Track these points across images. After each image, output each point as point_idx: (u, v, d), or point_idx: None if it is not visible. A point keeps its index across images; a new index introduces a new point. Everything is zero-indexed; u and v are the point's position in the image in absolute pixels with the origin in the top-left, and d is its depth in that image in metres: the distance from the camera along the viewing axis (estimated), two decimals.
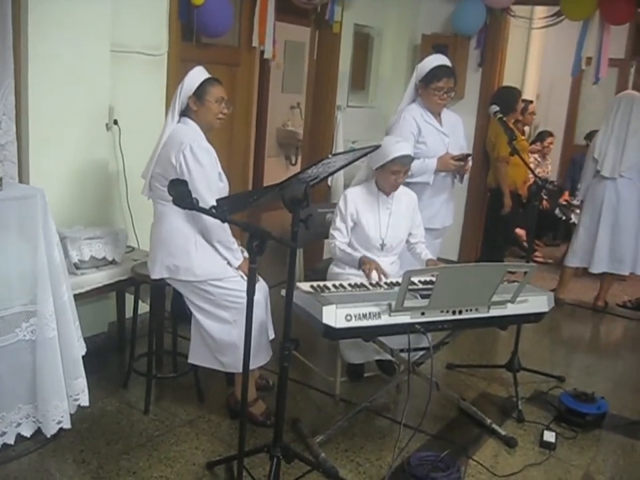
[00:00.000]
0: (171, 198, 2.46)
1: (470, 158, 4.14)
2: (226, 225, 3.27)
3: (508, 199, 5.94)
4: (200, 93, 3.33)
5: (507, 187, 5.95)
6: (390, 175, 3.55)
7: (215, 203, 2.51)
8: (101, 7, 3.75)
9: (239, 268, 3.39)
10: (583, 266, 5.63)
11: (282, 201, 2.63)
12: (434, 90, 4.02)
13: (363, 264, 3.47)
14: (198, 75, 3.35)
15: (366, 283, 3.30)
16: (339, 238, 3.66)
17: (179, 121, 3.37)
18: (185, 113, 3.37)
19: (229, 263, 3.38)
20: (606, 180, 5.35)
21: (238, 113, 5.19)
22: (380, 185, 3.65)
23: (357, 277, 3.55)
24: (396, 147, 3.51)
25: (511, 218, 6.21)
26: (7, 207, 2.85)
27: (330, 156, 2.64)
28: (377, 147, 3.23)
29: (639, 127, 5.28)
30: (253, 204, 2.76)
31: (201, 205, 2.50)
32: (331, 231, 3.70)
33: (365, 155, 2.90)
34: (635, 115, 5.27)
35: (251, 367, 2.68)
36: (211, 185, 3.27)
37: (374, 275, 3.38)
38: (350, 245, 3.68)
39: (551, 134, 7.73)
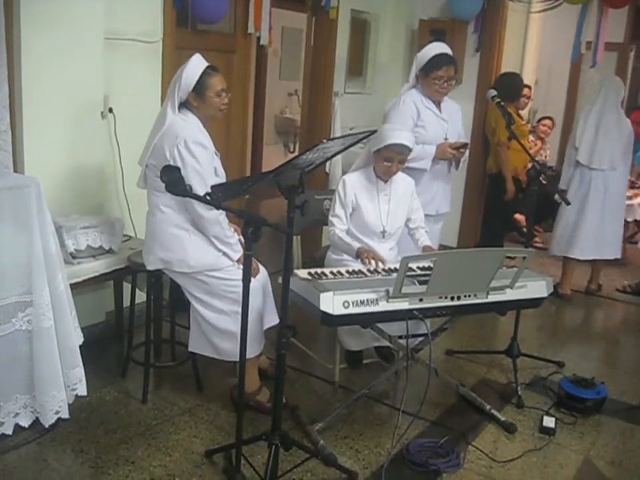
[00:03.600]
0: (163, 189, 2.43)
1: (467, 147, 4.12)
2: (222, 219, 3.25)
3: (510, 184, 5.91)
4: (199, 88, 3.25)
5: (508, 172, 5.92)
6: (383, 161, 3.53)
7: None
8: None
9: (238, 261, 3.35)
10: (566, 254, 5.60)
11: (277, 188, 2.61)
12: (434, 79, 3.98)
13: (360, 254, 3.45)
14: (195, 67, 3.24)
15: (364, 270, 3.28)
16: (338, 225, 3.63)
17: (179, 112, 3.30)
18: (184, 104, 3.30)
19: (226, 255, 3.35)
20: (594, 170, 5.36)
21: (234, 100, 5.15)
22: (377, 171, 3.63)
23: (355, 263, 3.54)
24: (393, 133, 3.49)
25: (511, 203, 6.19)
26: (1, 197, 2.83)
27: (324, 141, 2.61)
28: (373, 132, 3.20)
29: (622, 115, 5.34)
30: (248, 191, 2.75)
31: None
32: (330, 218, 3.67)
33: (361, 140, 2.88)
34: (618, 102, 5.32)
35: (247, 355, 2.66)
36: (205, 180, 3.20)
37: (373, 263, 3.36)
38: (348, 232, 3.66)
39: (549, 118, 7.70)
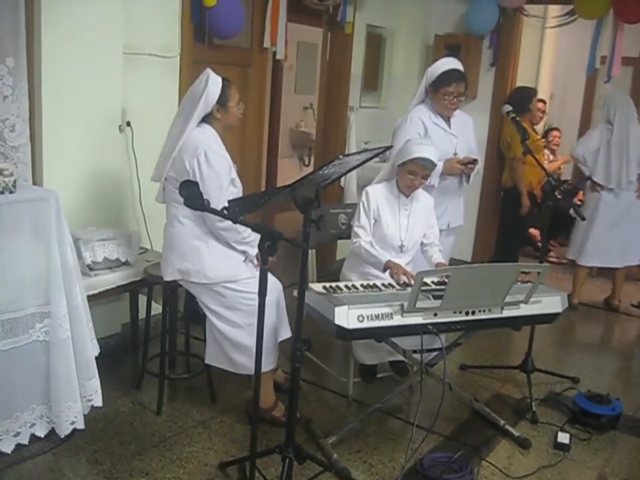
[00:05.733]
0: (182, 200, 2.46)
1: (477, 163, 4.11)
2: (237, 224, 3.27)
3: (526, 198, 5.91)
4: (222, 100, 3.32)
5: (524, 187, 5.92)
6: (407, 175, 3.54)
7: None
8: (113, 10, 3.77)
9: (257, 257, 3.38)
10: (599, 265, 5.63)
11: (293, 202, 2.63)
12: (443, 95, 3.98)
13: (390, 268, 3.45)
14: (217, 81, 3.31)
15: (378, 284, 3.29)
16: (364, 237, 3.61)
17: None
18: (203, 118, 3.35)
19: (246, 256, 3.37)
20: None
21: (250, 114, 5.19)
22: (399, 185, 3.64)
23: (370, 276, 3.55)
24: (419, 147, 3.50)
25: (526, 218, 6.19)
26: (21, 209, 2.87)
27: (341, 156, 2.64)
28: (389, 147, 3.22)
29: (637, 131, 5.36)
30: (264, 205, 2.77)
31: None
32: (355, 229, 3.66)
33: (376, 155, 2.89)
34: (628, 119, 5.35)
35: (262, 369, 2.67)
36: (224, 191, 3.27)
37: (403, 278, 3.37)
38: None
39: (556, 129, 7.70)
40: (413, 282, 3.29)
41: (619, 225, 5.47)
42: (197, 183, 2.48)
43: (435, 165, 3.56)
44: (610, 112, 5.34)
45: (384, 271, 3.47)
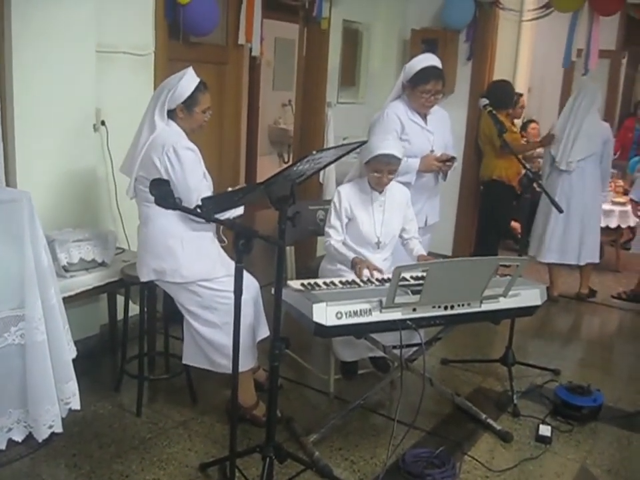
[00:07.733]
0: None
1: (455, 161, 4.09)
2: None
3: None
4: (189, 102, 3.28)
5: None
6: (373, 173, 3.53)
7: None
8: (86, 7, 3.71)
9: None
10: (557, 262, 5.65)
11: (268, 199, 2.61)
12: (421, 92, 3.95)
13: (355, 264, 3.45)
14: (191, 81, 3.28)
15: (357, 280, 3.27)
16: (334, 236, 3.62)
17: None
18: (168, 114, 3.31)
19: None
20: (561, 172, 5.42)
21: (227, 111, 5.16)
22: (370, 182, 3.63)
23: (349, 273, 3.54)
24: (381, 144, 3.48)
25: (505, 211, 6.20)
26: None
27: (314, 152, 2.61)
28: (364, 142, 3.20)
29: (593, 119, 5.34)
30: (239, 202, 2.74)
31: (187, 204, 2.48)
32: (326, 229, 3.67)
33: (351, 150, 2.87)
34: (590, 106, 5.32)
35: (241, 369, 2.65)
36: (197, 184, 3.22)
37: (365, 272, 3.36)
38: (344, 242, 3.66)
39: (533, 121, 7.73)
40: (375, 275, 3.31)
41: (574, 222, 5.44)
42: (167, 181, 2.45)
43: (400, 159, 3.53)
44: (579, 95, 5.34)
45: (352, 268, 3.47)
